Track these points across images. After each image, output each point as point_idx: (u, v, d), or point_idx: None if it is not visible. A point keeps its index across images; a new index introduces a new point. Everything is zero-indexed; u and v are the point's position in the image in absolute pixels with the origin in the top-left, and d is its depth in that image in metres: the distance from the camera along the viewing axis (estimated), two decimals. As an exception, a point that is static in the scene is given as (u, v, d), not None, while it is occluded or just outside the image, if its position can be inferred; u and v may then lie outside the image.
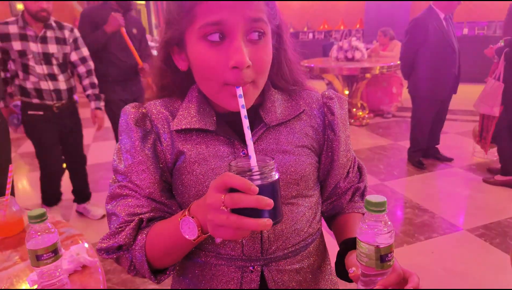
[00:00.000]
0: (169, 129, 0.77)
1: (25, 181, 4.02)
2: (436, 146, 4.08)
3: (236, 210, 0.54)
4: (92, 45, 2.92)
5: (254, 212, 0.54)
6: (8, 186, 1.10)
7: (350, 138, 0.86)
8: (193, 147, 0.75)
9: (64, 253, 0.89)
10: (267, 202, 0.52)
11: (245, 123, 0.61)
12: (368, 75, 5.33)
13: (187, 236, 0.63)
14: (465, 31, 8.73)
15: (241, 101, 0.63)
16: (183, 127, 0.75)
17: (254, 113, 0.77)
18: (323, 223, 0.91)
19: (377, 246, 0.58)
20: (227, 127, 0.76)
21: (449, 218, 2.90)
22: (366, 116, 5.69)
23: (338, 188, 0.86)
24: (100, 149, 4.89)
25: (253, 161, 0.59)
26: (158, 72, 0.79)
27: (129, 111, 0.77)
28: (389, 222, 0.59)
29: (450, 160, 3.99)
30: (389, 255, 0.59)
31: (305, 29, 11.16)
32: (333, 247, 0.85)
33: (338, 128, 0.82)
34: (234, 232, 0.55)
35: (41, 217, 0.80)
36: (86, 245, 1.09)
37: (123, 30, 3.02)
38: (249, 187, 0.52)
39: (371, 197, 0.59)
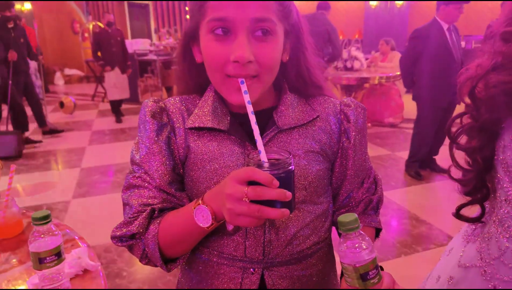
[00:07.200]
0: (184, 125, 0.78)
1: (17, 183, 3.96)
2: (434, 156, 4.09)
3: (254, 200, 0.56)
4: None
5: (271, 202, 0.57)
6: (9, 187, 1.07)
7: (367, 148, 0.84)
8: (205, 144, 0.77)
9: (66, 257, 0.87)
10: (287, 194, 0.56)
11: (252, 118, 0.63)
12: (366, 85, 5.33)
13: (201, 224, 0.66)
14: (463, 44, 8.86)
15: (247, 98, 0.65)
16: (197, 125, 0.77)
17: (268, 116, 0.78)
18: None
19: (354, 265, 0.58)
20: (240, 127, 0.77)
21: (446, 229, 2.90)
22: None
23: (351, 198, 0.84)
24: (95, 153, 4.85)
25: (263, 156, 0.61)
26: (178, 62, 0.84)
27: (148, 104, 0.79)
28: (366, 238, 0.59)
29: (446, 171, 3.98)
30: (370, 273, 0.58)
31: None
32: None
33: (353, 136, 0.80)
34: (251, 220, 0.58)
35: (45, 219, 0.79)
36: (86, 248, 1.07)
37: None
38: (271, 181, 0.55)
39: (342, 217, 0.58)
